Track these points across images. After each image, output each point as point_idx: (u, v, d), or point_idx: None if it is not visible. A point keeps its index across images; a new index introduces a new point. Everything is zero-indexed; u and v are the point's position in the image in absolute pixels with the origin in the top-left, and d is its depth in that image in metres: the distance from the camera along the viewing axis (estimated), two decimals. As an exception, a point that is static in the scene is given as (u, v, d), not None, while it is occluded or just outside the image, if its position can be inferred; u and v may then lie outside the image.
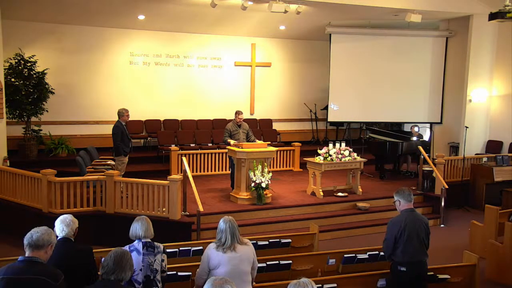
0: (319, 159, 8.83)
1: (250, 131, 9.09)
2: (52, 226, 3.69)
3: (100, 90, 11.86)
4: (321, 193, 8.76)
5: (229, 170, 9.34)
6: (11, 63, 10.05)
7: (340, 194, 8.90)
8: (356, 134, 14.28)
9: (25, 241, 3.22)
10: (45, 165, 8.00)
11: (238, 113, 8.95)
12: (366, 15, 11.58)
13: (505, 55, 11.31)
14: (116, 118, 8.45)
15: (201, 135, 12.10)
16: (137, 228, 4.02)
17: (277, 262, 5.11)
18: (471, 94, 11.50)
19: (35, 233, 3.24)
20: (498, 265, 6.22)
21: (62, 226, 3.86)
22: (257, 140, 8.94)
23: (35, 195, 7.40)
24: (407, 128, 13.57)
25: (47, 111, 10.61)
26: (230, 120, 9.42)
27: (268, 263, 5.06)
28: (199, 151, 10.83)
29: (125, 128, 8.42)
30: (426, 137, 12.81)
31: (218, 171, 10.73)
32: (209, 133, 12.23)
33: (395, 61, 12.61)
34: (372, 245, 5.93)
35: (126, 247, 3.85)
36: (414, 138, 11.16)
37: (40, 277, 3.07)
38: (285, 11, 9.91)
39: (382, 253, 5.28)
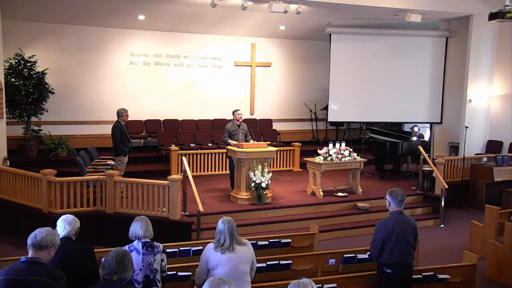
0: (319, 159, 8.83)
1: (248, 132, 9.05)
2: (52, 226, 3.69)
3: (100, 90, 11.86)
4: (321, 193, 8.76)
5: (229, 170, 9.34)
6: (11, 63, 10.05)
7: (340, 194, 8.90)
8: (356, 134, 14.28)
9: (29, 241, 3.20)
10: (45, 165, 7.99)
11: (235, 111, 8.93)
12: (366, 15, 11.58)
13: (505, 55, 11.31)
14: (116, 118, 8.46)
15: (201, 135, 12.10)
16: (136, 228, 4.03)
17: (277, 262, 5.10)
18: (471, 94, 11.49)
19: (39, 233, 3.22)
20: (498, 265, 6.22)
21: (64, 224, 3.87)
22: (251, 141, 8.87)
23: (35, 195, 7.39)
24: (407, 128, 13.57)
25: (47, 111, 10.61)
26: (229, 120, 9.42)
27: (268, 263, 5.05)
28: (199, 151, 10.83)
29: (124, 128, 8.43)
30: (426, 137, 12.79)
31: (218, 171, 10.73)
32: (209, 133, 12.22)
33: (395, 61, 12.59)
34: (372, 245, 5.92)
35: (126, 247, 3.84)
36: (414, 138, 11.16)
37: (42, 278, 3.06)
38: (285, 11, 9.91)
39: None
